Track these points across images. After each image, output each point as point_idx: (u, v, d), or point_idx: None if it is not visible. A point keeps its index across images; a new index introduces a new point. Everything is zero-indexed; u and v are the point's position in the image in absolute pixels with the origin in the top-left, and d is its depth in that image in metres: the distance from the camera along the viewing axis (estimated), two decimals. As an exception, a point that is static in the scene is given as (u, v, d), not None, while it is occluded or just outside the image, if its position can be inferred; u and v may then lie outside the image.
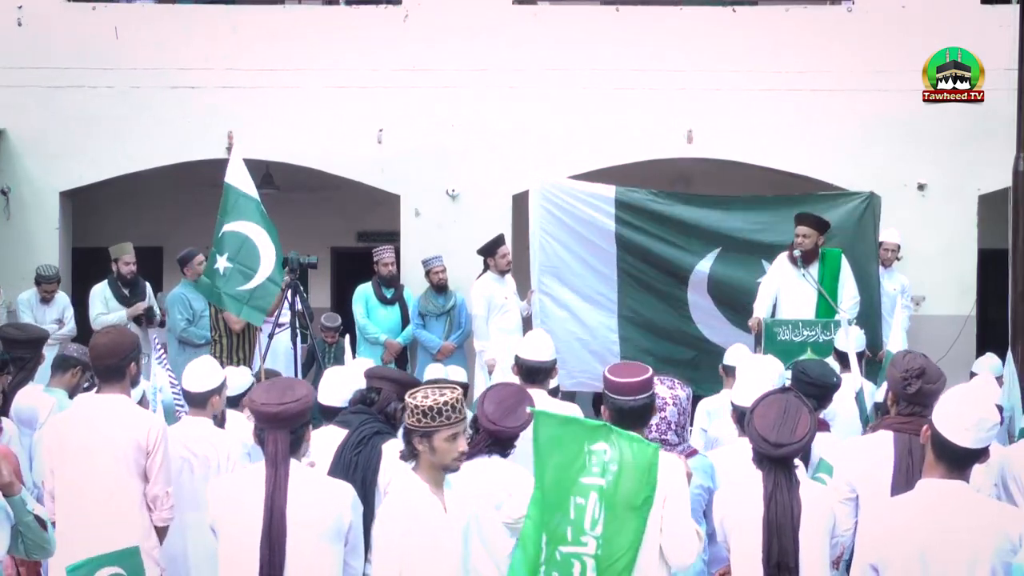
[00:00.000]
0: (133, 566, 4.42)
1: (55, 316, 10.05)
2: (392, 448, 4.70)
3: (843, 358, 7.07)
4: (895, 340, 8.22)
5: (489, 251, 10.03)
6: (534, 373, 5.81)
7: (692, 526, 4.15)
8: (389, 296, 10.31)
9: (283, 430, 4.19)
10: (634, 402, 4.29)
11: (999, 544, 3.53)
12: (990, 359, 7.70)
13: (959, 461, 3.59)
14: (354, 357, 7.13)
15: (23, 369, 6.04)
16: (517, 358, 5.91)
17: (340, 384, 5.41)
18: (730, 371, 7.46)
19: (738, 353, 7.45)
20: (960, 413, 3.59)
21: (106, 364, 4.96)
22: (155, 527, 4.96)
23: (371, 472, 4.64)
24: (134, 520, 4.88)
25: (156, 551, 4.97)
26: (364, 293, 10.31)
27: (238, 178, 7.70)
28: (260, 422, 4.26)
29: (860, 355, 7.40)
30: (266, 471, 4.20)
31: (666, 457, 4.15)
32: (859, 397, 6.17)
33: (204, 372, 5.49)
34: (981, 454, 3.62)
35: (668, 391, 4.86)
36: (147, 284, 10.38)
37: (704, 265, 8.99)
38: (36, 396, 6.09)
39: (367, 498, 4.55)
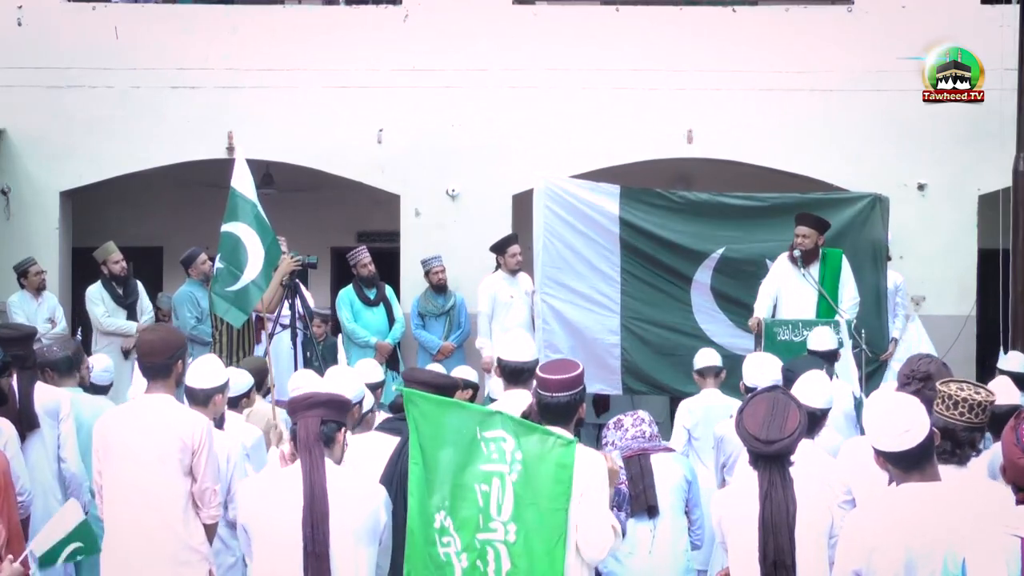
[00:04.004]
0: (86, 535, 4.59)
1: (46, 316, 10.05)
2: None
3: (824, 356, 7.10)
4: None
5: (500, 249, 10.03)
6: (516, 374, 5.72)
7: (607, 522, 4.16)
8: (372, 297, 10.24)
9: (313, 416, 4.24)
10: (554, 399, 4.31)
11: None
12: (1018, 357, 7.66)
13: (919, 462, 3.66)
14: (348, 361, 7.11)
15: (27, 368, 6.07)
16: (499, 360, 5.84)
17: (346, 383, 5.36)
18: (704, 373, 7.50)
19: (707, 357, 7.50)
20: (886, 425, 3.68)
21: (153, 362, 5.00)
22: (204, 525, 4.98)
23: None
24: (179, 518, 4.89)
25: (204, 547, 4.98)
26: (348, 297, 10.24)
27: (241, 182, 7.75)
28: (291, 412, 4.33)
29: (858, 358, 7.43)
30: (301, 456, 4.22)
31: (585, 453, 4.18)
32: (857, 405, 6.16)
33: (208, 370, 5.49)
34: (930, 445, 3.69)
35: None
36: (139, 283, 10.39)
37: (708, 265, 9.00)
38: (52, 390, 6.16)
39: None
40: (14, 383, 5.98)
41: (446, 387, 5.13)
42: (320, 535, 4.11)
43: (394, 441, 4.89)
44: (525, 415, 4.65)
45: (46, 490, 5.92)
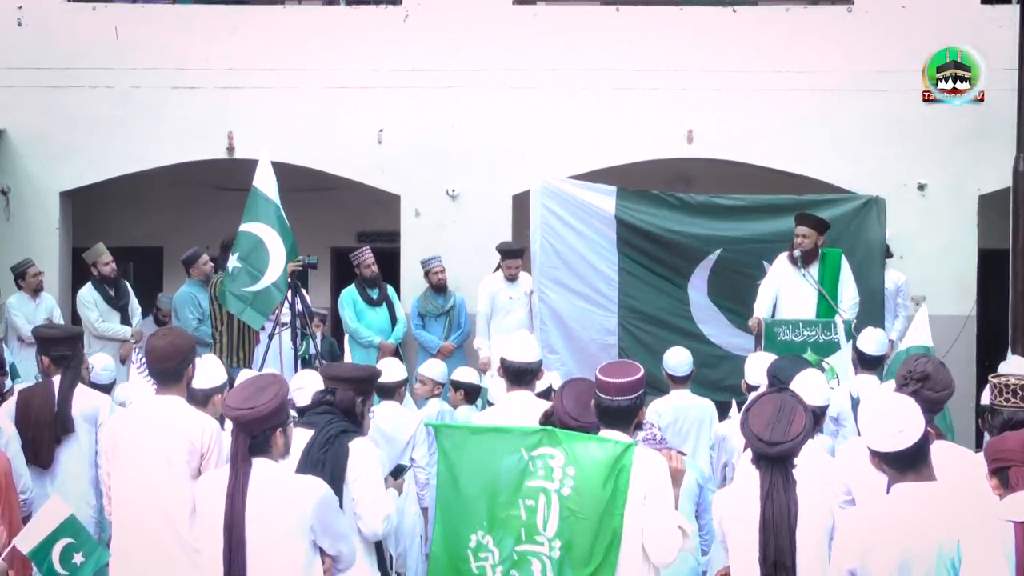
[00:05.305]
0: (77, 532, 4.67)
1: (44, 317, 10.04)
2: (359, 446, 4.73)
3: (863, 359, 7.07)
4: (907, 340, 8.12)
5: (503, 254, 10.05)
6: (520, 375, 5.73)
7: (673, 523, 4.15)
8: (375, 297, 10.25)
9: (243, 432, 4.26)
10: (614, 402, 4.29)
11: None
12: (1020, 362, 7.64)
13: (914, 462, 3.69)
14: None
15: (69, 368, 6.08)
16: (503, 360, 5.82)
17: (310, 386, 5.34)
18: (676, 379, 7.43)
19: (677, 357, 7.44)
20: (881, 427, 3.72)
21: (164, 367, 5.00)
22: None
23: (339, 469, 4.66)
24: (184, 519, 4.89)
25: None
26: (350, 297, 10.24)
27: (264, 182, 7.77)
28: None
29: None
30: (230, 473, 4.29)
31: (645, 454, 4.18)
32: (854, 404, 6.13)
33: (207, 370, 5.49)
34: (925, 445, 3.71)
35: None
36: (128, 284, 10.39)
37: (704, 266, 9.00)
38: (92, 395, 6.21)
39: (335, 495, 4.57)
40: (55, 384, 6.01)
41: (365, 379, 5.04)
42: (238, 557, 4.18)
43: (308, 435, 4.82)
44: (547, 416, 4.66)
45: (80, 496, 5.93)
